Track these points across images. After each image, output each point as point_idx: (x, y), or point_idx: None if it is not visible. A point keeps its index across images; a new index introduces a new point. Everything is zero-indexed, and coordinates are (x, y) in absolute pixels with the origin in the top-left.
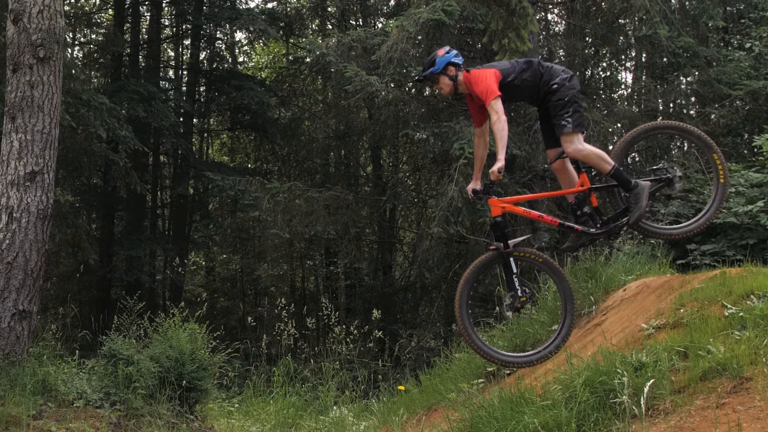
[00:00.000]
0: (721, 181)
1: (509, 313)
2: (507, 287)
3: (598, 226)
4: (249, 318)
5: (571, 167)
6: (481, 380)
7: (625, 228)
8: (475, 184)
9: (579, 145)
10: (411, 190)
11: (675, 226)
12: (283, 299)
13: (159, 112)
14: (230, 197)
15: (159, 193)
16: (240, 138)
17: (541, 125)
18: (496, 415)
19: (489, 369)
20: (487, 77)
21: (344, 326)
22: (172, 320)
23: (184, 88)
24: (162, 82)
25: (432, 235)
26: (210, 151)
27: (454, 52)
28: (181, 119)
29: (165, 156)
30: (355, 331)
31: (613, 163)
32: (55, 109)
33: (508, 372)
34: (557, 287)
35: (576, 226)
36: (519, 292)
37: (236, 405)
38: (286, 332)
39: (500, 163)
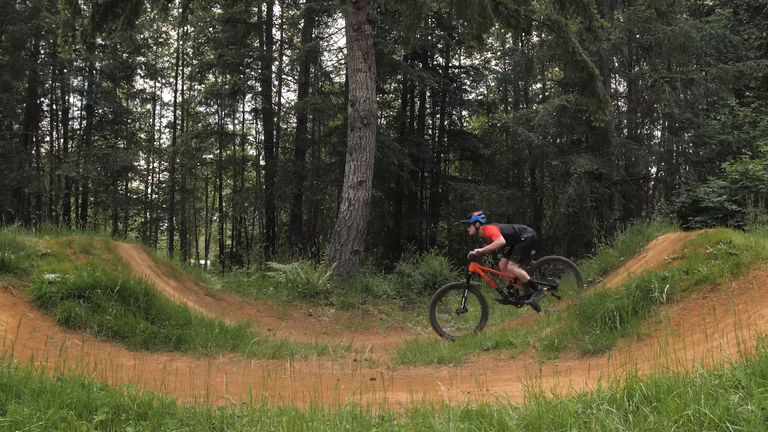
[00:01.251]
0: (577, 286)
1: (456, 313)
2: (461, 303)
3: (513, 298)
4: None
5: (508, 269)
6: (585, 285)
7: (525, 302)
8: (480, 249)
9: (514, 268)
10: (550, 190)
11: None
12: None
13: (424, 150)
14: (459, 194)
15: (423, 191)
16: (464, 164)
17: (508, 248)
18: (593, 301)
19: (589, 279)
20: (493, 229)
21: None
22: (430, 255)
23: (436, 139)
24: (426, 137)
25: (560, 212)
26: (449, 170)
27: (482, 215)
28: (434, 153)
29: (427, 172)
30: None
31: (528, 278)
32: (372, 148)
33: (598, 281)
34: (481, 307)
35: (504, 294)
36: (462, 306)
37: (472, 297)
38: (496, 259)
39: (480, 250)
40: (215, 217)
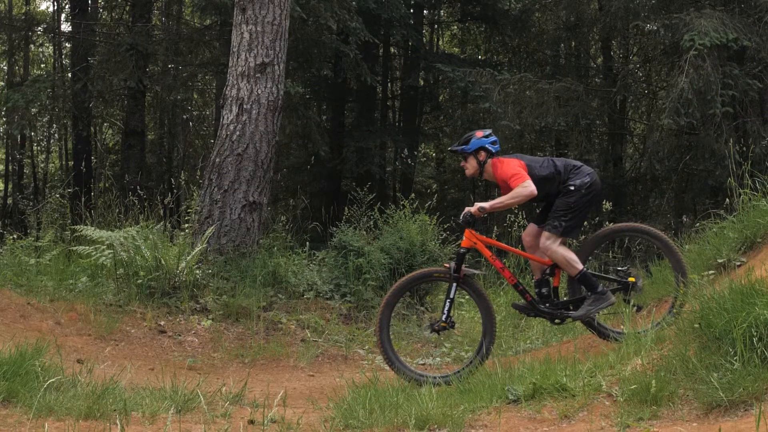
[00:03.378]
0: (682, 284)
1: (428, 332)
2: (443, 310)
3: (547, 306)
4: None
5: (541, 247)
6: (711, 272)
7: (571, 317)
8: (487, 204)
9: (554, 246)
10: (641, 81)
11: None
12: None
13: (389, 3)
14: (460, 89)
15: (389, 84)
16: (470, 29)
17: (543, 204)
18: (727, 307)
19: (719, 260)
20: (513, 165)
21: None
22: (402, 212)
23: None
24: None
25: (662, 127)
26: (440, 42)
27: (493, 138)
28: (412, 10)
29: (395, 47)
30: (585, 222)
31: (580, 267)
32: (285, 0)
33: (738, 263)
34: (482, 316)
35: (528, 295)
36: (444, 317)
37: (466, 297)
38: (516, 223)
39: (487, 205)
40: None
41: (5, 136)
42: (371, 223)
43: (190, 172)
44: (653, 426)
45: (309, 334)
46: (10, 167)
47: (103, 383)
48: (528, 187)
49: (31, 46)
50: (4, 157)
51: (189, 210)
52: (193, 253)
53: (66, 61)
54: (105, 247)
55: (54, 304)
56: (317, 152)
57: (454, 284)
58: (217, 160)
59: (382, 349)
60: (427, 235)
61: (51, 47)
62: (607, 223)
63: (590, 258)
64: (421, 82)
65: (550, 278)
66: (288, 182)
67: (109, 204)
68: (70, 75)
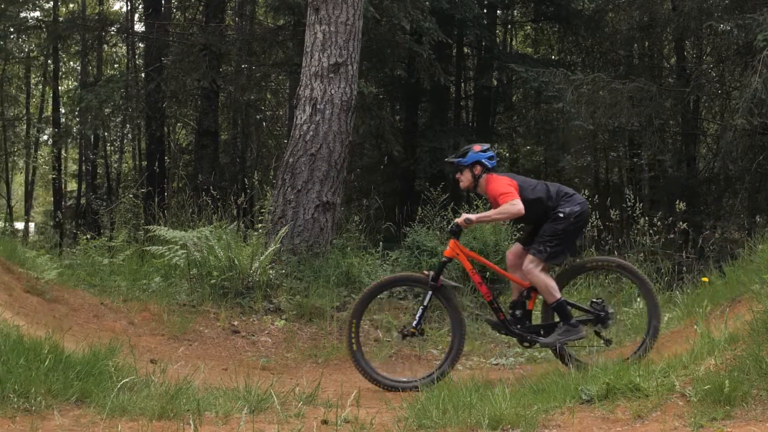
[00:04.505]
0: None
1: (396, 334)
2: (415, 317)
3: (519, 327)
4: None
5: (522, 269)
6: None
7: (539, 342)
8: (474, 216)
9: (536, 270)
10: (714, 82)
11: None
12: (586, 191)
13: (463, 3)
14: (534, 88)
15: (462, 84)
16: (543, 29)
17: (530, 225)
18: None
19: None
20: (505, 182)
21: (647, 218)
22: (475, 211)
23: None
24: None
25: (735, 127)
26: (513, 42)
27: (490, 153)
28: (485, 11)
29: (468, 47)
30: (659, 222)
31: (558, 296)
32: (358, 0)
33: None
34: (452, 328)
35: (501, 313)
36: (415, 323)
37: (540, 297)
38: (589, 224)
39: (473, 217)
40: (45, 136)
41: (79, 136)
42: (444, 223)
43: (264, 172)
44: (726, 426)
45: (383, 334)
46: (84, 167)
47: (177, 383)
48: (516, 206)
49: (105, 46)
50: (77, 157)
51: (262, 210)
52: (267, 253)
53: (139, 61)
54: (178, 247)
55: (127, 304)
56: (390, 152)
57: (430, 292)
58: (291, 160)
59: (355, 359)
60: (500, 235)
61: (124, 47)
62: (679, 222)
63: (568, 284)
64: (495, 83)
65: (526, 300)
66: (361, 182)
67: (182, 204)
68: (143, 75)
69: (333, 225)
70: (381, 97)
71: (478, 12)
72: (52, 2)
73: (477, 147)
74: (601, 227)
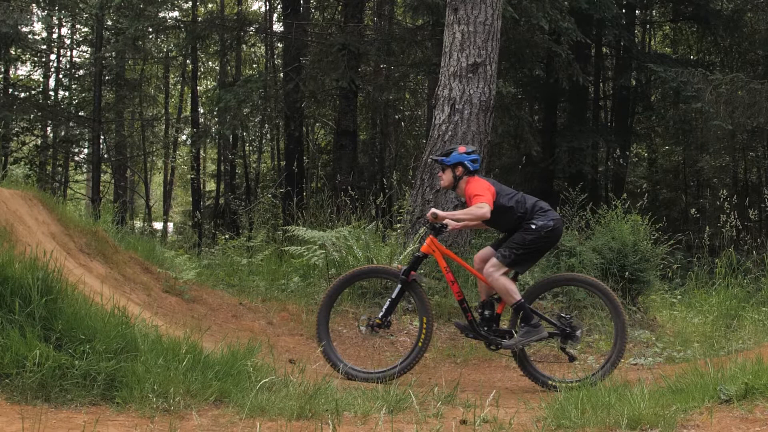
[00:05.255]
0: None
1: (362, 327)
2: (383, 308)
3: (486, 329)
4: (691, 209)
5: (487, 272)
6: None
7: (502, 346)
8: (441, 212)
9: (496, 273)
10: None
11: (571, 380)
12: (725, 191)
13: (601, 3)
14: (672, 89)
15: (601, 84)
16: (682, 29)
17: (503, 233)
18: None
19: None
20: (482, 186)
21: None
22: (614, 212)
23: None
24: None
25: None
26: (652, 42)
27: (474, 156)
28: (624, 11)
29: (607, 47)
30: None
31: (518, 298)
32: (497, 0)
33: None
34: (419, 323)
35: (470, 314)
36: (381, 315)
37: (678, 297)
38: (728, 224)
39: (441, 213)
40: (183, 136)
41: (217, 136)
42: (583, 223)
43: (402, 172)
44: None
45: (349, 327)
46: (222, 167)
47: (315, 383)
48: (482, 209)
49: (243, 46)
50: (216, 157)
51: (401, 210)
52: (405, 253)
53: (278, 61)
54: (317, 247)
55: (266, 304)
56: (529, 152)
57: (400, 286)
58: (429, 160)
59: (323, 347)
60: (639, 235)
61: (263, 47)
62: None
63: (533, 295)
64: (633, 82)
65: (495, 303)
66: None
67: (320, 204)
68: (281, 75)
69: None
70: (519, 96)
71: (617, 12)
72: (190, 2)
73: (462, 149)
74: (740, 227)
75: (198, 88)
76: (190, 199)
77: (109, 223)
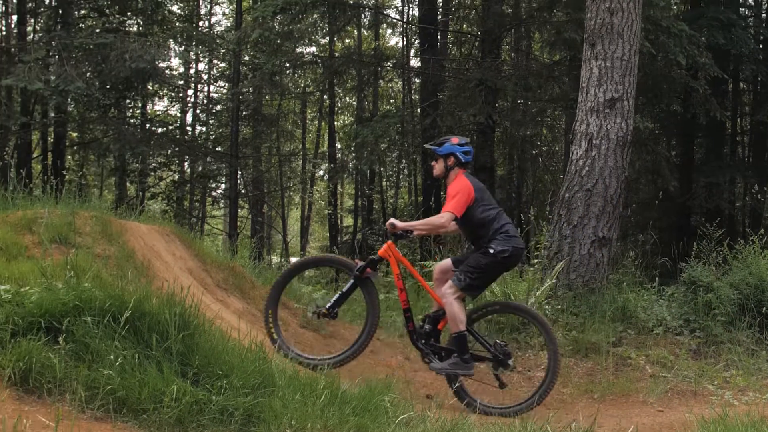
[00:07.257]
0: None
1: (310, 314)
2: (338, 295)
3: (422, 343)
4: None
5: (441, 291)
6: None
7: (432, 367)
8: (399, 223)
9: (451, 297)
10: None
11: (501, 405)
12: None
13: (738, 38)
14: None
15: (738, 119)
16: None
17: (467, 244)
18: None
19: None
20: (464, 188)
21: None
22: (751, 247)
23: (764, 15)
24: (742, 9)
25: None
26: None
27: (467, 148)
28: (761, 46)
29: (744, 82)
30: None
31: (462, 329)
32: (634, 35)
33: None
34: (366, 319)
35: (411, 324)
36: (329, 305)
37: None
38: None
39: (399, 224)
40: (321, 172)
41: (355, 171)
42: (720, 258)
43: (539, 207)
44: None
45: (658, 370)
46: (360, 202)
47: (452, 419)
48: (442, 219)
49: (380, 81)
50: (353, 192)
51: (538, 245)
52: (543, 288)
53: (415, 96)
54: None
55: (403, 340)
56: (666, 187)
57: (352, 280)
58: (567, 195)
59: (268, 330)
60: None
61: (400, 82)
62: None
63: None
64: None
65: (440, 318)
66: (637, 217)
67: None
68: (419, 110)
69: (609, 260)
70: (657, 132)
71: (754, 47)
72: (327, 38)
73: (455, 139)
74: None
75: (335, 123)
76: (327, 234)
77: (246, 259)
